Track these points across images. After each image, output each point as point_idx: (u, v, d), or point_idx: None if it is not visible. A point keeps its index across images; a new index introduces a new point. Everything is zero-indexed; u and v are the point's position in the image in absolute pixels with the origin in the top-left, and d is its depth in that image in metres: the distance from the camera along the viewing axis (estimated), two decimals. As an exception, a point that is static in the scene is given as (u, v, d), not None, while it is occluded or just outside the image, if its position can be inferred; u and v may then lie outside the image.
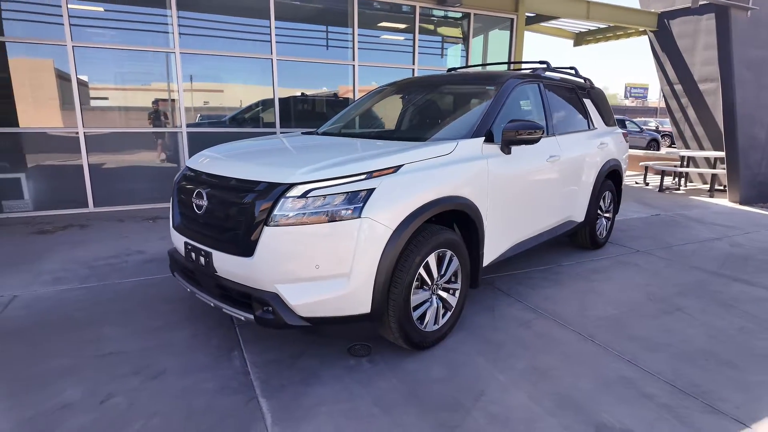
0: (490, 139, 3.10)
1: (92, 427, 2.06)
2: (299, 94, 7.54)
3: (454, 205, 2.71)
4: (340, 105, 7.85)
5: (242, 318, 2.43)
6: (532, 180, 3.49)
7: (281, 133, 7.18)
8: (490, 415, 2.20)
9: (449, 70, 5.02)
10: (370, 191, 2.32)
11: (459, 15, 8.40)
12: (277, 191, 2.29)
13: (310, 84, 7.67)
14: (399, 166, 2.49)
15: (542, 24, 11.20)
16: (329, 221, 2.26)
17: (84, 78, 6.15)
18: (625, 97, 54.59)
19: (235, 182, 2.47)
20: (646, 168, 9.81)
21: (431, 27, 8.52)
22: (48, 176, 6.10)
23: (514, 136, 3.03)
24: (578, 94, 4.49)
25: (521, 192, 3.37)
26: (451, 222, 2.96)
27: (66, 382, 2.39)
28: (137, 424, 2.09)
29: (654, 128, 24.54)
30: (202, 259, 2.57)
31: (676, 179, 9.68)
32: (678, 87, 10.28)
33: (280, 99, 7.12)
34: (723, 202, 7.86)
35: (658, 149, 19.66)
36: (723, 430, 2.11)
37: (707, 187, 9.33)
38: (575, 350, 2.80)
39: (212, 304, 2.60)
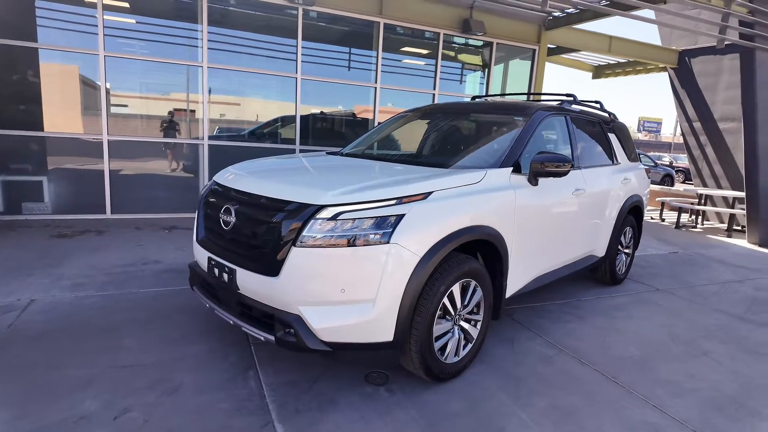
0: (517, 169, 3.09)
1: (107, 443, 2.03)
2: (318, 112, 7.61)
3: (481, 235, 2.68)
4: (358, 125, 7.92)
5: (262, 338, 2.40)
6: (557, 212, 3.46)
7: (301, 151, 7.24)
8: (512, 455, 2.13)
9: (474, 98, 5.06)
10: (400, 217, 2.31)
11: (482, 43, 8.50)
12: (307, 212, 2.28)
13: (331, 103, 7.76)
14: (429, 193, 2.48)
15: (562, 56, 11.32)
16: (357, 245, 2.24)
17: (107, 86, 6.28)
18: (638, 130, 54.55)
19: (265, 200, 2.47)
20: (663, 204, 9.72)
21: (454, 54, 8.63)
22: (69, 181, 6.18)
23: (542, 168, 3.02)
24: (603, 128, 4.48)
25: (546, 224, 3.34)
26: (475, 251, 2.93)
27: (83, 393, 2.36)
28: (152, 442, 2.05)
29: (668, 163, 24.43)
30: (225, 276, 2.55)
31: (693, 217, 9.57)
32: (697, 125, 10.27)
33: (301, 116, 7.20)
34: (741, 242, 7.73)
35: (672, 185, 19.50)
36: (757, 487, 2.02)
37: (724, 226, 9.20)
38: (598, 391, 2.72)
39: (231, 322, 2.57)
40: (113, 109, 6.28)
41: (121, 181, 6.35)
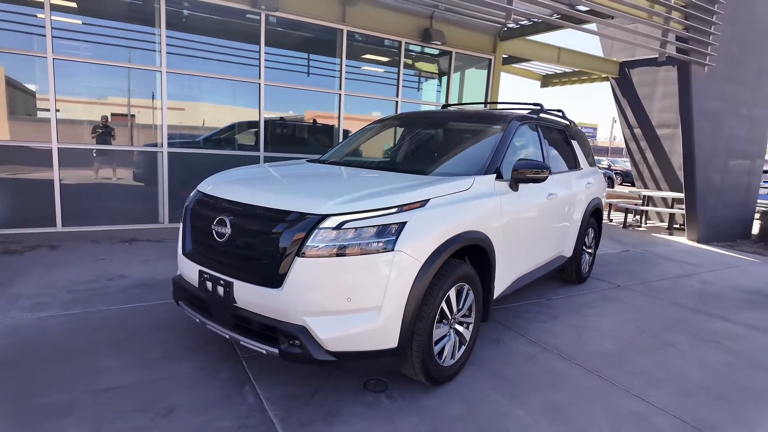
0: (498, 176, 3.20)
1: (106, 472, 1.91)
2: (284, 118, 7.51)
3: (474, 240, 2.76)
4: (323, 132, 7.89)
5: (263, 351, 2.35)
6: (535, 216, 3.62)
7: (266, 158, 7.10)
8: (519, 452, 2.20)
9: (444, 106, 5.19)
10: (402, 224, 2.34)
11: (442, 52, 8.71)
12: (309, 222, 2.26)
13: (295, 109, 7.68)
14: (427, 200, 2.53)
15: (514, 65, 11.82)
16: (363, 254, 2.25)
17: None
18: (578, 136, 57.66)
19: (263, 211, 2.42)
20: (610, 205, 10.35)
21: (416, 62, 8.78)
22: (13, 192, 5.72)
23: (523, 174, 3.15)
24: (567, 135, 4.73)
25: (526, 228, 3.49)
26: (464, 256, 3.00)
27: (65, 420, 2.21)
28: (156, 467, 1.95)
29: (607, 166, 25.98)
30: (220, 289, 2.47)
31: (638, 217, 10.26)
32: (637, 131, 11.01)
33: (265, 121, 7.06)
34: (682, 239, 8.37)
35: (613, 186, 20.76)
36: (737, 465, 2.22)
37: (664, 225, 9.93)
38: (584, 385, 2.87)
39: (227, 336, 2.50)
40: (59, 115, 5.87)
41: (73, 192, 5.96)
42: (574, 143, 4.85)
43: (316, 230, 2.24)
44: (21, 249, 4.96)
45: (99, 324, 3.27)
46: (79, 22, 5.98)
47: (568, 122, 5.02)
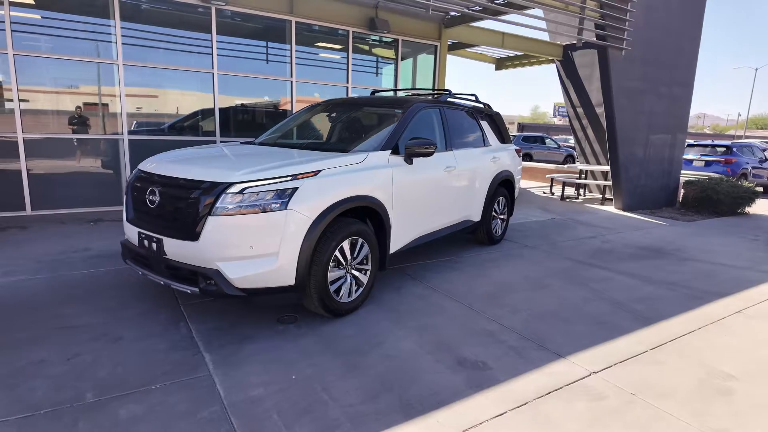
0: (396, 151, 3.89)
1: (67, 374, 2.58)
2: (239, 104, 8.06)
3: (364, 202, 3.45)
4: (277, 116, 8.46)
5: (188, 291, 3.02)
6: (431, 185, 4.33)
7: (221, 142, 7.67)
8: (384, 355, 2.94)
9: (373, 92, 5.83)
10: (295, 189, 3.02)
11: (388, 40, 9.30)
12: (218, 189, 2.92)
13: (249, 96, 8.22)
14: (318, 171, 3.21)
15: (467, 50, 12.45)
16: (262, 212, 2.92)
17: None
18: (554, 115, 58.83)
19: (183, 182, 3.07)
20: (552, 180, 11.18)
21: (364, 49, 9.36)
22: (-17, 180, 6.21)
23: (414, 150, 3.84)
24: (475, 116, 5.43)
25: (421, 195, 4.19)
26: (365, 217, 3.70)
27: (36, 346, 2.86)
28: (104, 371, 2.63)
29: (571, 145, 26.99)
30: (154, 245, 3.12)
31: (577, 189, 11.11)
32: (579, 110, 11.80)
33: (220, 109, 7.61)
34: (610, 209, 9.24)
35: (574, 163, 21.72)
36: (545, 359, 2.99)
37: (601, 196, 10.80)
38: (456, 314, 3.62)
39: (162, 282, 3.16)
40: (23, 106, 6.35)
41: (41, 179, 6.46)
42: (483, 124, 5.55)
43: (224, 195, 2.90)
44: (-7, 230, 5.50)
45: (62, 284, 3.89)
46: (38, 16, 6.41)
47: (481, 105, 5.72)
